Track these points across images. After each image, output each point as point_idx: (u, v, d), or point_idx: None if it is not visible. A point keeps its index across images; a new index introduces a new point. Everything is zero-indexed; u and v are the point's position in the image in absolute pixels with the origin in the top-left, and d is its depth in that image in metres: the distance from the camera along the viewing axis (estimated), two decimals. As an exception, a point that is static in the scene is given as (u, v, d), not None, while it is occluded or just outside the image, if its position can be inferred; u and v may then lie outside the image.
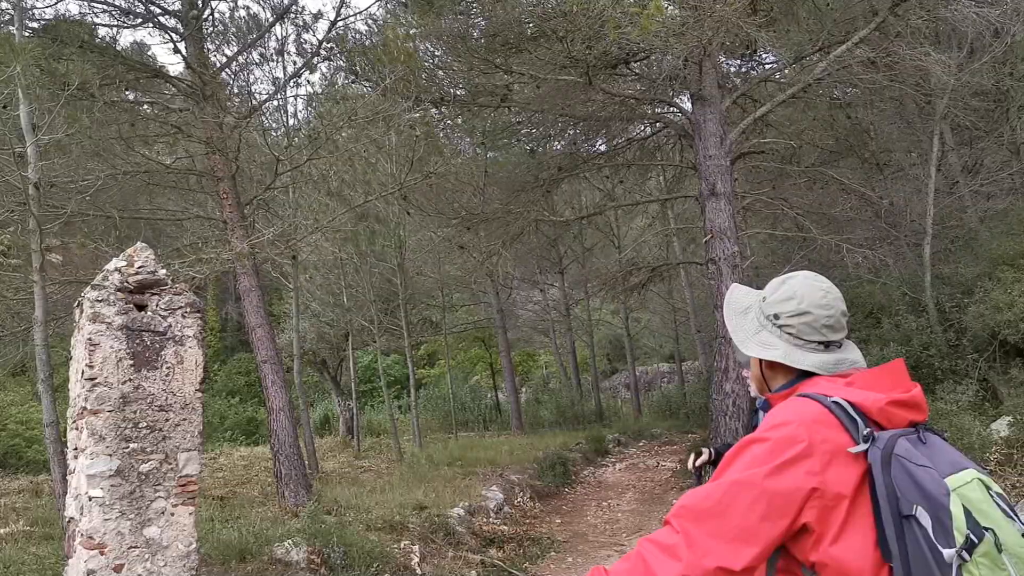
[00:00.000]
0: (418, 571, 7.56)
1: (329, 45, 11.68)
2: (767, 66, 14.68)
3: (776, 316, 1.84)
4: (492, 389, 29.49)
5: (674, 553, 1.56)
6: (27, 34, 9.04)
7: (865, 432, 1.55)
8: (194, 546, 5.42)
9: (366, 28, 16.21)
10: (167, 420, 5.42)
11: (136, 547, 5.18)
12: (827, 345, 1.80)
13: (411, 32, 11.79)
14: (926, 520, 1.45)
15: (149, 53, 13.26)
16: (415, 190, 12.68)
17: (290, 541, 7.07)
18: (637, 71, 13.74)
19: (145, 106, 11.80)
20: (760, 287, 2.09)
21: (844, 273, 15.04)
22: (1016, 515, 1.50)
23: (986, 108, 13.90)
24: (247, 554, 6.72)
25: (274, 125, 14.65)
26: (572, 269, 24.65)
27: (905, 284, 12.80)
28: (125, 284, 5.43)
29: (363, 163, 10.92)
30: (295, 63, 12.08)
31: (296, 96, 27.36)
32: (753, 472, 1.56)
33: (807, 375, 1.79)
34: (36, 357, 8.01)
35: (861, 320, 12.69)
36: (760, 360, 1.90)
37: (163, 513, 5.32)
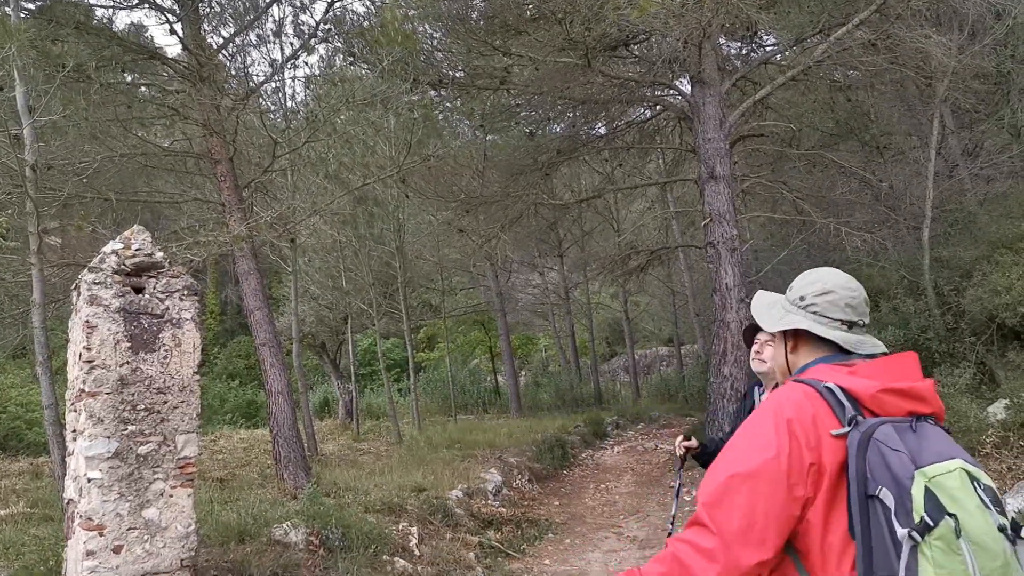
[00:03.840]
0: (416, 553, 7.59)
1: (327, 26, 11.62)
2: (767, 48, 14.62)
3: (802, 298, 1.93)
4: (491, 372, 29.54)
5: (711, 556, 1.61)
6: (23, 15, 8.98)
7: (850, 416, 1.62)
8: (193, 527, 5.44)
9: (364, 9, 16.17)
10: (165, 402, 5.44)
11: (135, 528, 5.20)
12: (850, 325, 1.86)
13: (409, 13, 11.72)
14: (889, 501, 1.51)
15: (146, 34, 13.18)
16: (414, 173, 12.65)
17: (289, 523, 7.10)
18: (636, 53, 13.68)
19: (142, 88, 11.73)
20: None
21: (843, 256, 15.02)
22: (994, 507, 1.52)
23: (987, 91, 13.84)
24: (246, 535, 6.75)
25: (272, 107, 14.58)
26: (571, 252, 24.63)
27: (904, 267, 12.80)
28: (122, 267, 5.43)
29: (361, 146, 10.86)
30: (292, 45, 12.02)
31: (294, 78, 27.35)
32: (757, 461, 1.63)
33: (820, 362, 1.85)
34: (35, 340, 8.01)
35: (860, 303, 12.70)
36: (785, 347, 1.97)
37: (162, 495, 5.34)
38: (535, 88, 12.89)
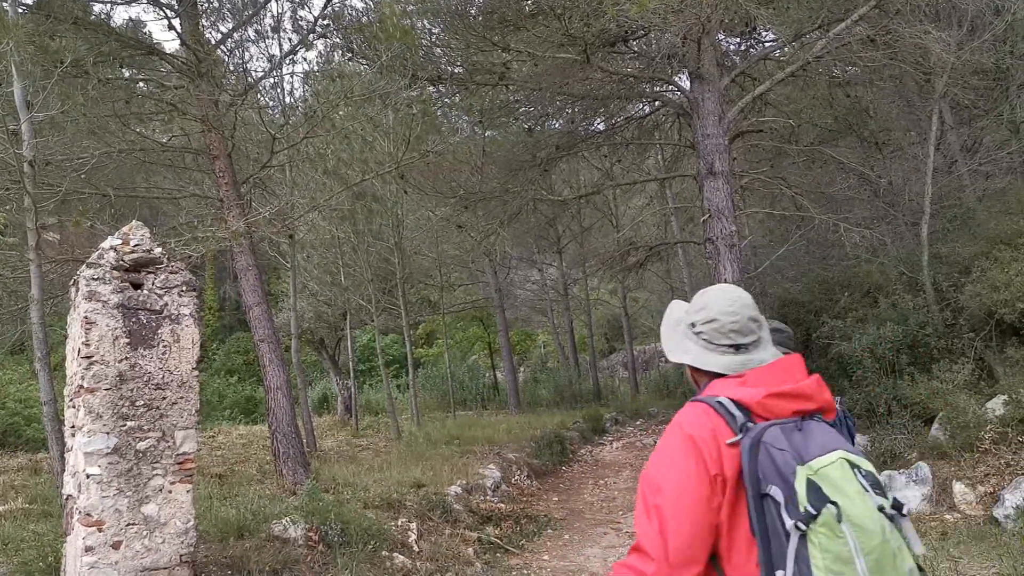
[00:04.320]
0: (415, 548, 7.60)
1: (325, 22, 11.60)
2: (766, 44, 14.59)
3: (693, 325, 2.07)
4: (490, 368, 29.54)
5: (652, 541, 1.77)
6: (20, 10, 8.96)
7: (740, 424, 1.78)
8: (192, 523, 5.45)
9: (362, 5, 16.14)
10: (164, 398, 5.43)
11: (134, 524, 5.20)
12: (737, 348, 2.00)
13: (408, 9, 11.70)
14: (779, 496, 1.66)
15: (144, 30, 13.13)
16: (412, 169, 12.64)
17: (288, 518, 7.10)
18: (635, 49, 13.66)
19: (140, 84, 11.71)
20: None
21: (842, 252, 15.02)
22: (873, 490, 1.69)
23: (986, 87, 13.83)
24: (245, 531, 6.75)
25: (270, 103, 14.56)
26: (570, 248, 24.63)
27: (902, 263, 12.79)
28: (121, 262, 5.42)
29: (360, 141, 10.85)
30: (291, 40, 12.01)
31: (292, 74, 27.28)
32: (675, 484, 1.78)
33: (717, 376, 1.99)
34: (33, 336, 8.01)
35: (858, 299, 12.68)
36: (687, 369, 2.12)
37: (161, 490, 5.34)
38: (534, 84, 12.86)
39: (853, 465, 1.71)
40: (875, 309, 12.05)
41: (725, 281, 11.76)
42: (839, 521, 1.60)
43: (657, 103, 15.17)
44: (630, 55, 13.79)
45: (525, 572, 7.60)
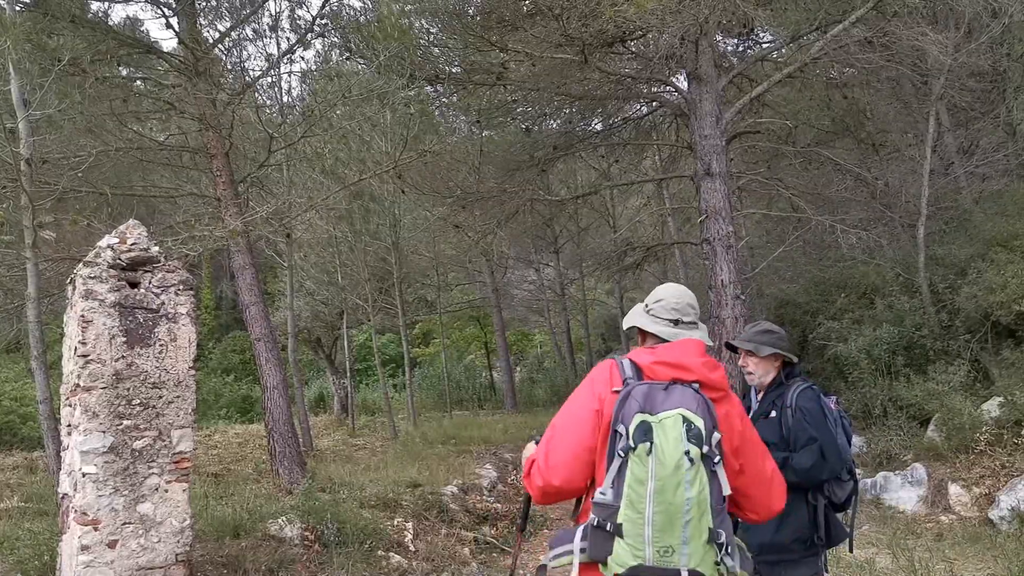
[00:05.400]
0: (411, 548, 7.60)
1: (323, 21, 11.57)
2: (764, 45, 14.61)
3: (647, 305, 2.74)
4: (487, 368, 29.54)
5: (539, 473, 2.44)
6: (18, 8, 8.94)
7: (626, 378, 2.40)
8: (188, 522, 5.44)
9: (360, 4, 16.11)
10: (160, 397, 5.43)
11: (130, 523, 5.20)
12: (676, 323, 2.63)
13: (406, 8, 11.70)
14: (623, 432, 2.27)
15: (142, 28, 13.12)
16: (410, 168, 12.60)
17: (284, 518, 7.10)
18: (633, 50, 13.65)
19: (138, 82, 11.70)
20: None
21: (838, 253, 15.05)
22: (689, 440, 2.23)
23: (982, 89, 13.86)
24: (241, 530, 6.75)
25: (268, 102, 14.55)
26: (567, 248, 24.60)
27: (899, 265, 12.81)
28: (118, 261, 5.42)
29: (357, 141, 10.85)
30: (289, 39, 11.98)
31: (290, 73, 27.17)
32: (573, 412, 2.47)
33: (659, 343, 2.61)
34: (30, 334, 8.00)
35: (855, 301, 12.71)
36: (639, 339, 2.75)
37: (157, 489, 5.34)
38: (532, 84, 12.86)
39: (687, 420, 2.26)
40: (871, 310, 12.07)
41: (721, 283, 11.78)
42: (648, 455, 2.21)
43: (655, 104, 15.17)
44: (628, 56, 13.78)
45: (521, 572, 7.61)
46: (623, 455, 2.24)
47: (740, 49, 15.02)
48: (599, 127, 16.51)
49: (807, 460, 3.45)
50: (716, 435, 2.30)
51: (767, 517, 2.61)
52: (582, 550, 2.34)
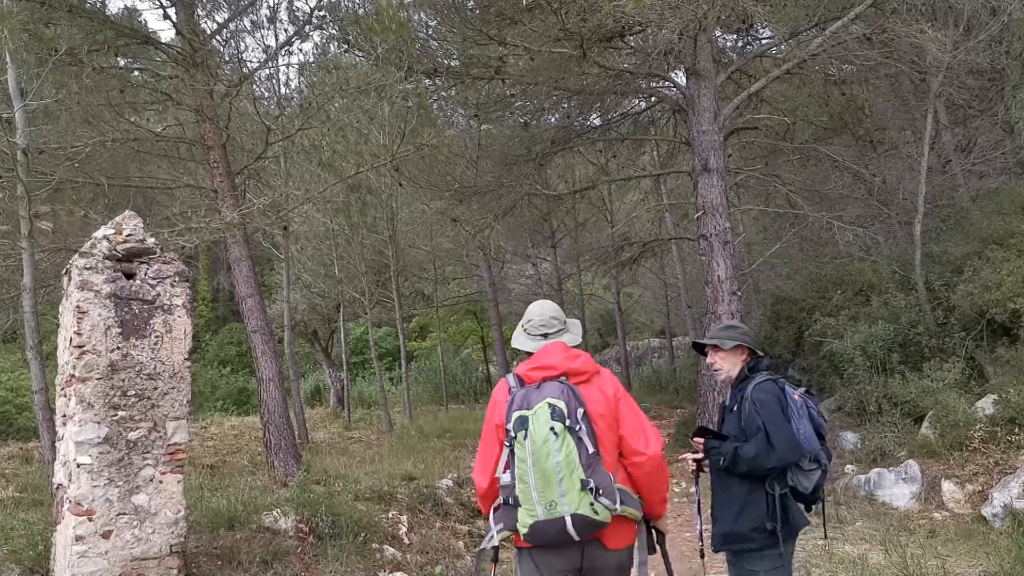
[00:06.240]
0: (406, 541, 7.62)
1: (321, 13, 11.54)
2: (762, 42, 14.60)
3: (523, 326, 3.34)
4: (483, 362, 29.55)
5: (474, 475, 3.19)
6: (15, -3, 8.91)
7: (511, 387, 3.04)
8: (182, 513, 5.45)
9: (359, -3, 16.03)
10: (155, 388, 5.43)
11: (124, 514, 5.20)
12: (545, 336, 3.24)
13: (404, 1, 11.65)
14: (509, 428, 2.92)
15: (139, 19, 13.07)
16: (407, 162, 12.58)
17: (279, 510, 7.11)
18: (632, 45, 13.63)
19: (135, 73, 11.65)
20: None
21: (835, 250, 15.07)
22: (553, 418, 2.84)
23: (981, 87, 13.85)
24: (236, 522, 6.75)
25: (266, 94, 14.52)
26: (564, 243, 24.58)
27: (895, 262, 12.82)
28: (114, 252, 5.41)
29: (355, 133, 10.81)
30: (287, 31, 11.96)
31: (288, 65, 27.14)
32: (486, 426, 3.13)
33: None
34: (25, 324, 7.98)
35: (851, 297, 12.71)
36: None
37: (151, 480, 5.34)
38: (530, 78, 12.84)
39: (552, 405, 2.87)
40: (867, 307, 12.08)
41: (718, 277, 11.80)
42: (525, 439, 2.85)
43: (653, 99, 15.17)
44: (626, 51, 13.76)
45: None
46: (509, 445, 2.91)
47: (739, 45, 15.01)
48: (597, 122, 16.51)
49: (751, 449, 3.51)
50: (580, 410, 2.90)
51: (648, 457, 3.02)
52: (499, 528, 3.02)
